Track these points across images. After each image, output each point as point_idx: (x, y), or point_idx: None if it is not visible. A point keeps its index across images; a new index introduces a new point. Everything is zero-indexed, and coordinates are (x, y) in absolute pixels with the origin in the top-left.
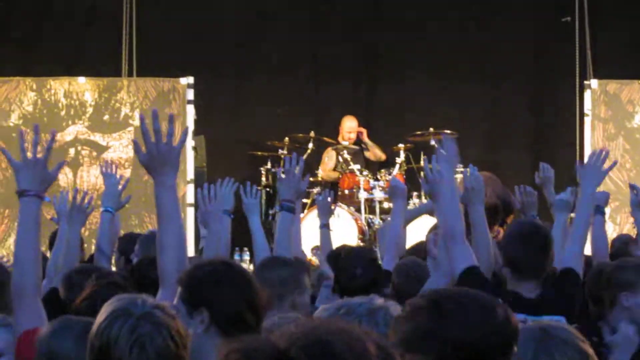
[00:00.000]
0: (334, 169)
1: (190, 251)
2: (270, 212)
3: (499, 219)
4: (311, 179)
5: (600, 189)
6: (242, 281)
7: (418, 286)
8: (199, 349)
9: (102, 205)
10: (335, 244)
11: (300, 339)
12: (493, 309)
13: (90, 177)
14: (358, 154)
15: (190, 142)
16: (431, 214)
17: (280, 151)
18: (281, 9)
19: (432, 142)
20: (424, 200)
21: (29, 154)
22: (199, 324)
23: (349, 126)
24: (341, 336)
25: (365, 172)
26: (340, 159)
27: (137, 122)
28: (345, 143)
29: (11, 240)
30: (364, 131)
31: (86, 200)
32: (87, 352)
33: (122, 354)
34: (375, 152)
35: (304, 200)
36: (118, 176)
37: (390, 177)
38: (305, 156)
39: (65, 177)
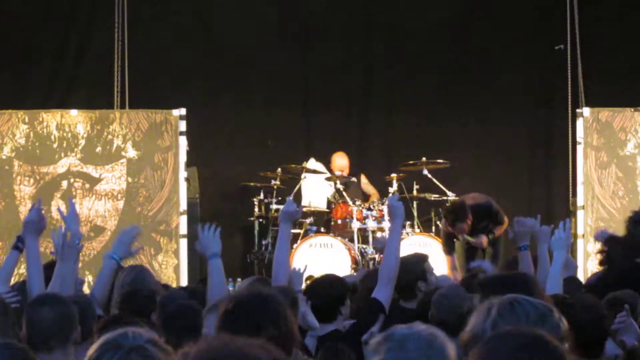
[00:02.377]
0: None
1: (184, 281)
2: (264, 242)
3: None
4: (304, 209)
5: (594, 216)
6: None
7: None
8: None
9: (112, 251)
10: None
11: None
12: None
13: (83, 209)
14: (352, 185)
15: (183, 174)
16: None
17: (273, 182)
18: (273, 41)
19: (425, 172)
20: (416, 230)
21: None
22: None
23: (340, 164)
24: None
25: (358, 202)
26: (334, 189)
27: (129, 154)
28: (339, 173)
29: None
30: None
31: (72, 238)
32: None
33: None
34: (368, 190)
35: (297, 231)
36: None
37: (383, 205)
38: (297, 187)
39: (58, 210)
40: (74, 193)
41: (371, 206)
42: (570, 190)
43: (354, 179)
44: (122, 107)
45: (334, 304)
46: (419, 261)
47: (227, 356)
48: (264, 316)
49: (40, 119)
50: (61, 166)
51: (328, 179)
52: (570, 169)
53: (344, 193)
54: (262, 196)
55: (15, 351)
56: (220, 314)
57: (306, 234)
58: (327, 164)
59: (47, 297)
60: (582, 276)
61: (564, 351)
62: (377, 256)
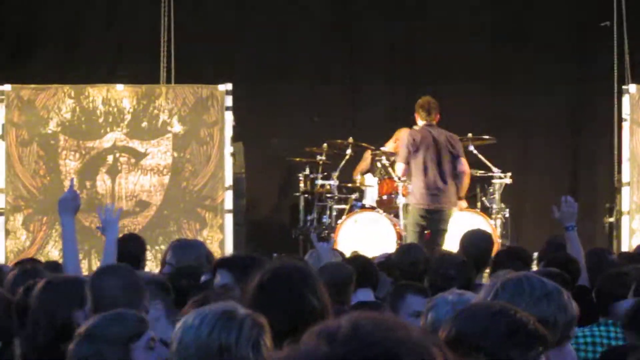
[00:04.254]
0: (369, 173)
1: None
2: (309, 217)
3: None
4: (349, 184)
5: (639, 193)
6: (288, 289)
7: None
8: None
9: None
10: (374, 248)
11: (362, 349)
12: None
13: (129, 184)
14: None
15: (228, 149)
16: None
17: (318, 157)
18: (317, 18)
19: (470, 148)
20: (463, 204)
21: None
22: None
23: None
24: (408, 345)
25: (403, 178)
26: (379, 165)
27: (175, 129)
28: (385, 149)
29: (49, 247)
30: None
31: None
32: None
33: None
34: None
35: (343, 206)
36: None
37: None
38: (343, 162)
39: (103, 184)
40: (119, 168)
41: None
42: (616, 167)
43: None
44: (168, 82)
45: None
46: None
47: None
48: (306, 287)
49: (86, 94)
50: (107, 141)
51: (373, 154)
52: (616, 146)
53: (389, 169)
54: (307, 171)
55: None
56: (255, 286)
57: (351, 210)
58: (373, 139)
59: (109, 268)
60: None
61: (528, 324)
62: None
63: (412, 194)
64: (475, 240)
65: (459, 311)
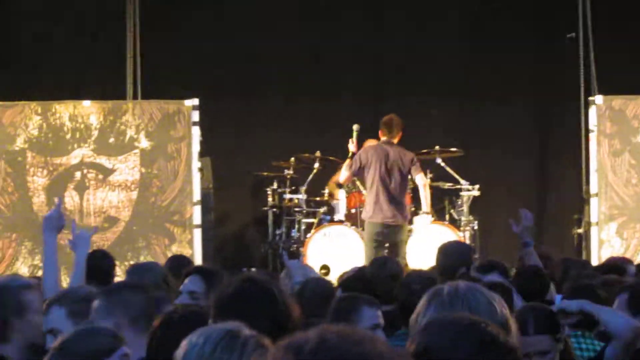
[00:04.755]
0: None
1: None
2: (277, 232)
3: None
4: (318, 198)
5: (607, 204)
6: (266, 299)
7: None
8: None
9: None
10: (344, 262)
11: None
12: None
13: (97, 200)
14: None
15: (196, 164)
16: None
17: (286, 171)
18: (284, 30)
19: (438, 161)
20: (430, 218)
21: None
22: None
23: None
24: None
25: (342, 183)
26: None
27: (142, 145)
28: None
29: (18, 264)
30: None
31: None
32: None
33: None
34: None
35: (312, 220)
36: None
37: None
38: (311, 176)
39: (71, 201)
40: (87, 184)
41: None
42: (584, 178)
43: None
44: (135, 97)
45: None
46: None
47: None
48: (280, 294)
49: (53, 110)
50: (74, 157)
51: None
52: (584, 157)
53: (357, 182)
54: (275, 186)
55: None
56: (230, 293)
57: (320, 224)
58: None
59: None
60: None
61: (500, 337)
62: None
63: (365, 209)
64: (451, 252)
65: (426, 324)
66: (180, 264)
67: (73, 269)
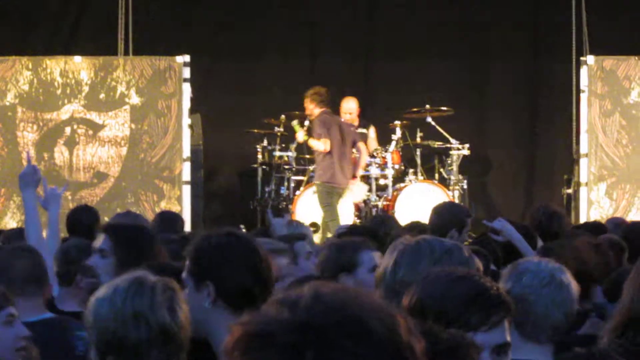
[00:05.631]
0: None
1: (187, 227)
2: (267, 189)
3: None
4: (307, 156)
5: (597, 164)
6: (247, 252)
7: None
8: (206, 323)
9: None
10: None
11: (327, 313)
12: None
13: (87, 156)
14: (361, 136)
15: (186, 120)
16: None
17: (276, 129)
18: None
19: (428, 120)
20: (419, 177)
21: None
22: (206, 298)
23: (348, 107)
24: (372, 311)
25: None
26: None
27: (133, 101)
28: (348, 117)
29: (7, 219)
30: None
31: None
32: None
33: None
34: (372, 144)
35: (301, 178)
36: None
37: (386, 153)
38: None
39: (61, 156)
40: (77, 140)
41: (374, 154)
42: (574, 138)
43: (363, 131)
44: (126, 54)
45: None
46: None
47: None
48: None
49: (44, 66)
50: (65, 112)
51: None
52: (574, 118)
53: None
54: (265, 143)
55: None
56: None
57: (309, 181)
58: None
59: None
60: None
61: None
62: (379, 203)
63: (323, 173)
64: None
65: (421, 278)
66: (170, 219)
67: (47, 228)
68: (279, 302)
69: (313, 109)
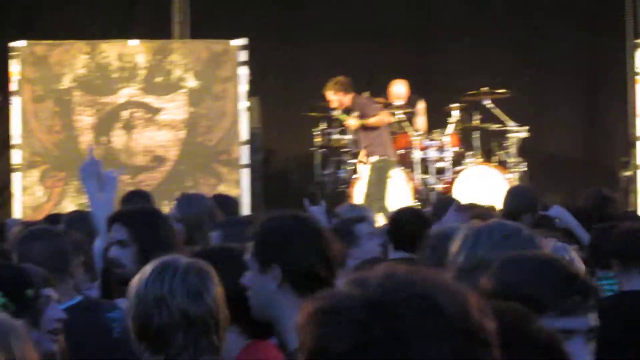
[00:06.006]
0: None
1: (246, 211)
2: (325, 172)
3: None
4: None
5: None
6: (313, 234)
7: None
8: (272, 305)
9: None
10: (389, 203)
11: (397, 290)
12: None
13: (144, 139)
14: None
15: (244, 104)
16: None
17: (333, 112)
18: None
19: (485, 102)
20: (478, 160)
21: None
22: (272, 280)
23: (397, 92)
24: (444, 290)
25: (419, 132)
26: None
27: (190, 84)
28: (398, 103)
29: (66, 203)
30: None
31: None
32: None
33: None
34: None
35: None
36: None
37: (444, 135)
38: None
39: (119, 140)
40: (134, 123)
41: (433, 136)
42: (631, 121)
43: (412, 110)
44: (183, 37)
45: None
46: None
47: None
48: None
49: (101, 50)
50: (121, 96)
51: (387, 109)
52: (630, 100)
53: (403, 123)
54: (323, 126)
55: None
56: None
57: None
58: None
59: (36, 232)
60: None
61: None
62: (439, 186)
63: (382, 148)
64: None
65: (499, 262)
66: (225, 202)
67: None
68: (352, 280)
69: (342, 97)
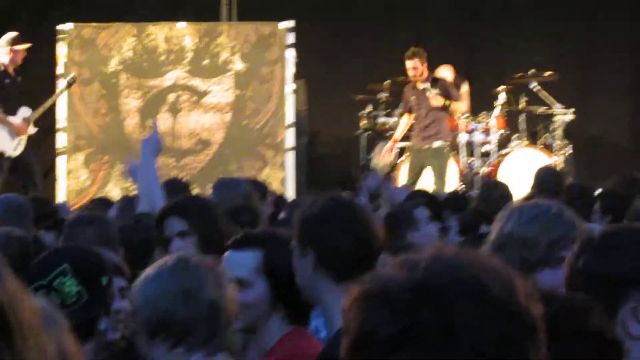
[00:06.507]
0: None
1: (291, 194)
2: (370, 155)
3: None
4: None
5: None
6: (351, 218)
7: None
8: (312, 288)
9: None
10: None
11: (444, 273)
12: None
13: (190, 123)
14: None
15: (290, 86)
16: None
17: (381, 94)
18: None
19: (532, 85)
20: (524, 143)
21: None
22: (309, 264)
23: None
24: (492, 273)
25: (465, 115)
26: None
27: (237, 67)
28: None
29: (110, 186)
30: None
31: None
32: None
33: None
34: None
35: (406, 143)
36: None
37: (490, 118)
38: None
39: (165, 123)
40: (180, 106)
41: (479, 119)
42: None
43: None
44: (230, 19)
45: None
46: None
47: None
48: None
49: (148, 32)
50: (168, 79)
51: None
52: None
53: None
54: (370, 109)
55: None
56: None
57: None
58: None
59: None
60: None
61: None
62: (483, 169)
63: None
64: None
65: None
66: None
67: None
68: (399, 263)
69: (424, 69)
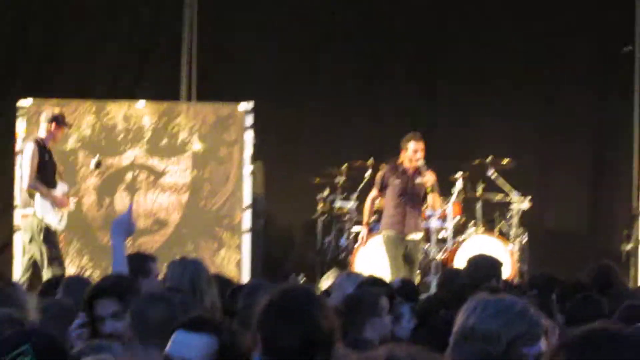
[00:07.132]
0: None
1: (246, 277)
2: (326, 240)
3: None
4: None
5: None
6: (299, 312)
7: None
8: None
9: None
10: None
11: None
12: None
13: (147, 202)
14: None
15: (248, 168)
16: None
17: (338, 178)
18: (339, 37)
19: (489, 173)
20: (481, 228)
21: None
22: (257, 352)
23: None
24: None
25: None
26: None
27: (195, 147)
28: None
29: (66, 264)
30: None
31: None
32: None
33: None
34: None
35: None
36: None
37: (446, 205)
38: (363, 184)
39: (122, 202)
40: (138, 186)
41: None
42: (635, 193)
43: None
44: (189, 99)
45: None
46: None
47: None
48: (314, 307)
49: (107, 110)
50: (126, 158)
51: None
52: (635, 172)
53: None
54: (326, 193)
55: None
56: (266, 306)
57: (370, 232)
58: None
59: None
60: None
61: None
62: (439, 255)
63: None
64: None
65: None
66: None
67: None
68: None
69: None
